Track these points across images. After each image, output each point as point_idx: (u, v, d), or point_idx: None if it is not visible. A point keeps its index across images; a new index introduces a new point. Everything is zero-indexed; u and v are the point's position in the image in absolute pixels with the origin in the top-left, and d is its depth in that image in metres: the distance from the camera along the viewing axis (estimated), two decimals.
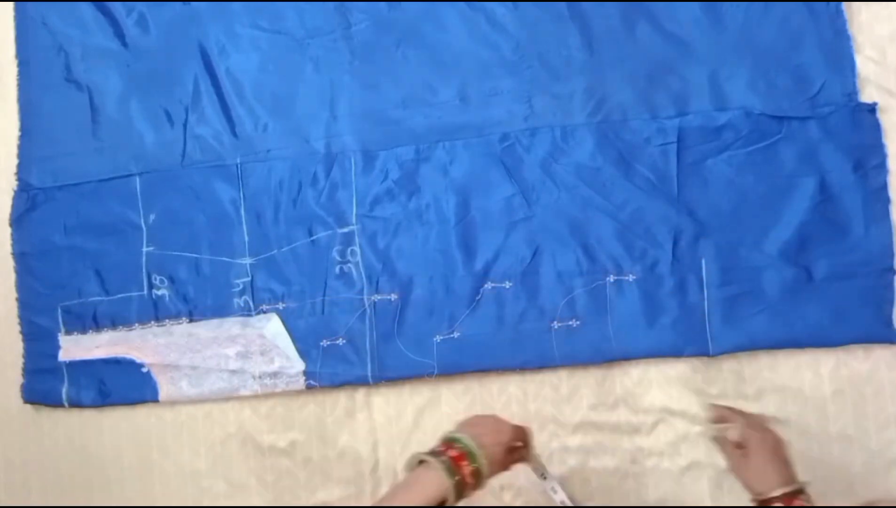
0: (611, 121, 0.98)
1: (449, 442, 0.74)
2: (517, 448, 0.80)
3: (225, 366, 1.03)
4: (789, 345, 0.93)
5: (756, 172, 0.95)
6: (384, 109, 1.04)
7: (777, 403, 0.93)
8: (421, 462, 0.72)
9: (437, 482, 0.69)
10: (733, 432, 0.77)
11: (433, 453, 0.73)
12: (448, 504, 0.70)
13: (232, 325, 1.03)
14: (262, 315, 1.03)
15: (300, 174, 1.04)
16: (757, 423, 0.79)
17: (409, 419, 1.00)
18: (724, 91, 0.97)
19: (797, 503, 0.73)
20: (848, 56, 0.95)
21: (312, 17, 1.06)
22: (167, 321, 1.05)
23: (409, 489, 0.70)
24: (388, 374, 1.00)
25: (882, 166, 0.93)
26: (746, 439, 0.77)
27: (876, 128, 0.93)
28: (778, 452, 0.77)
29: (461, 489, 0.70)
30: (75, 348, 1.07)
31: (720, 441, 0.80)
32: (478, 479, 0.72)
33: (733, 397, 0.93)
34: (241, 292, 1.04)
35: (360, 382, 1.00)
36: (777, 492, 0.74)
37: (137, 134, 1.08)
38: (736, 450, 0.78)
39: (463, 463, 0.71)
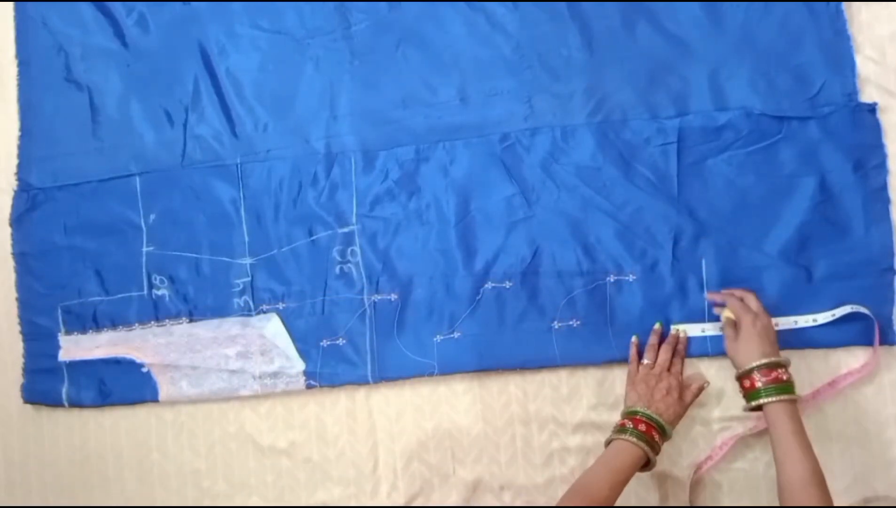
0: (611, 121, 0.98)
1: (628, 415, 0.88)
2: (686, 390, 0.91)
3: (225, 366, 1.03)
4: (789, 345, 0.93)
5: (756, 173, 0.95)
6: (384, 109, 1.04)
7: None
8: (610, 441, 0.86)
9: (632, 448, 0.84)
10: (728, 310, 0.89)
11: (621, 430, 0.86)
12: (652, 463, 0.85)
13: (232, 325, 1.04)
14: (262, 315, 1.03)
15: (300, 174, 1.04)
16: (752, 307, 0.87)
17: (409, 419, 1.00)
18: (724, 91, 0.97)
19: (774, 374, 0.82)
20: (848, 56, 0.95)
21: (312, 17, 1.06)
22: (167, 320, 1.05)
23: (609, 458, 0.84)
24: (389, 374, 1.00)
25: (882, 167, 0.93)
26: (739, 318, 0.87)
27: (876, 128, 0.93)
28: (767, 333, 0.86)
29: (654, 447, 0.85)
30: (75, 348, 1.07)
31: (727, 324, 0.90)
32: (662, 435, 0.86)
33: (733, 395, 0.93)
34: (241, 292, 1.04)
35: (360, 382, 1.00)
36: (755, 363, 0.84)
37: (137, 134, 1.09)
38: (732, 331, 0.88)
39: (644, 428, 0.85)
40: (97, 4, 1.11)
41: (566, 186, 0.98)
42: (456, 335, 0.99)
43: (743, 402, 0.86)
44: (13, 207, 1.10)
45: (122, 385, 1.06)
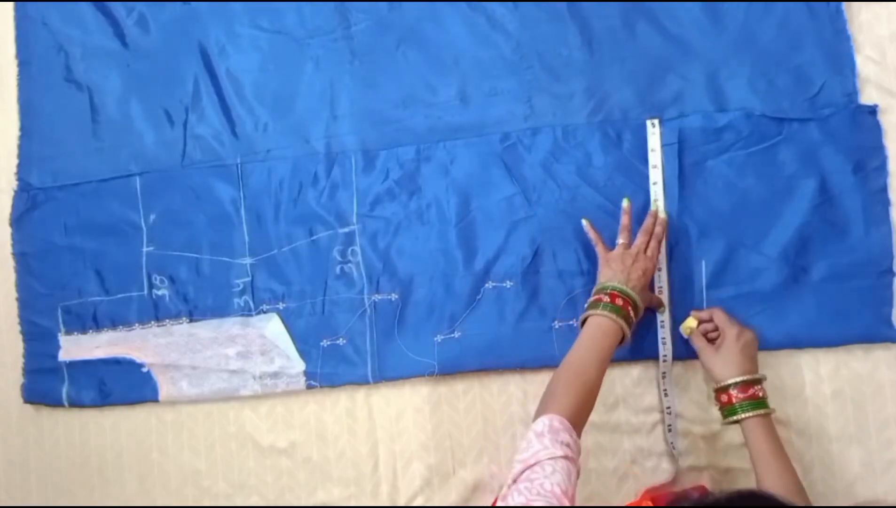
0: (611, 121, 0.99)
1: (602, 290, 0.88)
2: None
3: (225, 366, 1.03)
4: (789, 346, 0.93)
5: (756, 174, 0.95)
6: (384, 109, 1.04)
7: (777, 403, 0.93)
8: (586, 319, 0.87)
9: (612, 324, 0.84)
10: (692, 319, 0.90)
11: (595, 304, 0.86)
12: (627, 339, 0.86)
13: (232, 325, 1.03)
14: (262, 315, 1.03)
15: (300, 174, 1.04)
16: (736, 322, 0.88)
17: (409, 419, 1.00)
18: (724, 91, 0.97)
19: (751, 391, 0.84)
20: (848, 56, 0.95)
21: (312, 17, 1.06)
22: (167, 321, 1.05)
23: (593, 336, 0.84)
24: (389, 374, 1.00)
25: (882, 168, 0.93)
26: (723, 330, 0.88)
27: (876, 130, 0.93)
28: (746, 349, 0.86)
29: (629, 323, 0.86)
30: (75, 348, 1.07)
31: (695, 336, 0.91)
32: (636, 311, 0.87)
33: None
34: (242, 292, 1.04)
35: (361, 382, 1.00)
36: (735, 379, 0.84)
37: (137, 134, 1.08)
38: (709, 345, 0.89)
39: (621, 303, 0.86)
40: (97, 4, 1.11)
41: (567, 186, 0.98)
42: (456, 334, 0.99)
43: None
44: (13, 207, 1.10)
45: (122, 385, 1.05)
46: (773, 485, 0.79)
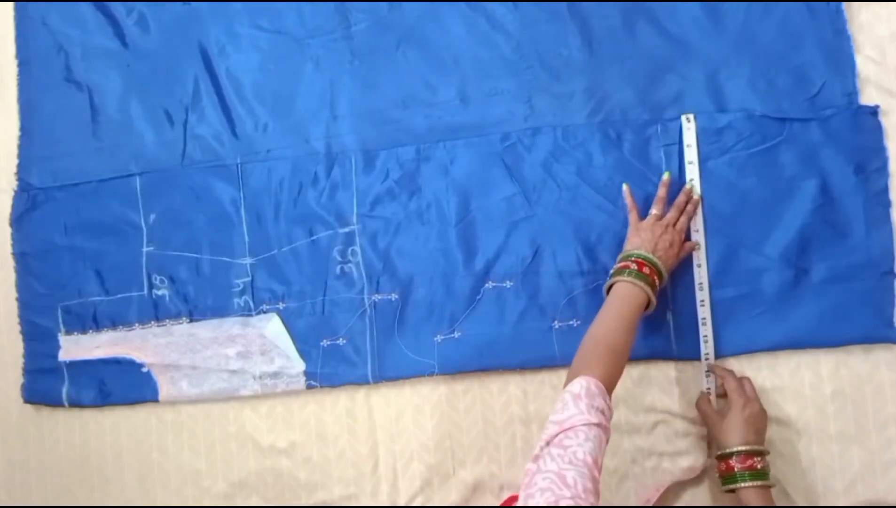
0: (612, 121, 0.99)
1: (628, 258, 0.88)
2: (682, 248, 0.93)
3: (225, 366, 1.03)
4: (789, 346, 0.93)
5: (757, 175, 0.95)
6: (384, 109, 1.04)
7: (777, 403, 0.93)
8: (611, 286, 0.88)
9: (639, 292, 0.85)
10: (727, 385, 0.89)
11: (621, 271, 0.87)
12: (652, 306, 0.87)
13: (232, 325, 1.03)
14: (262, 315, 1.03)
15: (300, 174, 1.04)
16: (745, 392, 0.88)
17: (409, 419, 1.00)
18: (724, 91, 0.97)
19: (750, 462, 0.84)
20: (848, 56, 0.95)
21: (312, 17, 1.06)
22: (167, 321, 1.05)
23: (621, 303, 0.84)
24: (389, 374, 1.00)
25: (883, 169, 0.93)
26: (731, 398, 0.87)
27: (877, 130, 0.93)
28: (753, 421, 0.86)
29: (654, 291, 0.86)
30: (75, 348, 1.07)
31: (702, 402, 0.91)
32: (661, 280, 0.88)
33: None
34: (242, 292, 1.04)
35: (361, 382, 1.00)
36: (735, 448, 0.84)
37: (137, 134, 1.08)
38: (715, 412, 0.89)
39: (648, 271, 0.86)
40: (97, 4, 1.11)
41: (567, 186, 0.98)
42: (456, 334, 0.99)
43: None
44: (13, 207, 1.10)
45: (122, 385, 1.05)
46: None
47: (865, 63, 0.95)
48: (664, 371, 0.96)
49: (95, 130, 1.10)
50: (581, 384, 0.73)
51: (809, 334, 0.92)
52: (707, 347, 0.93)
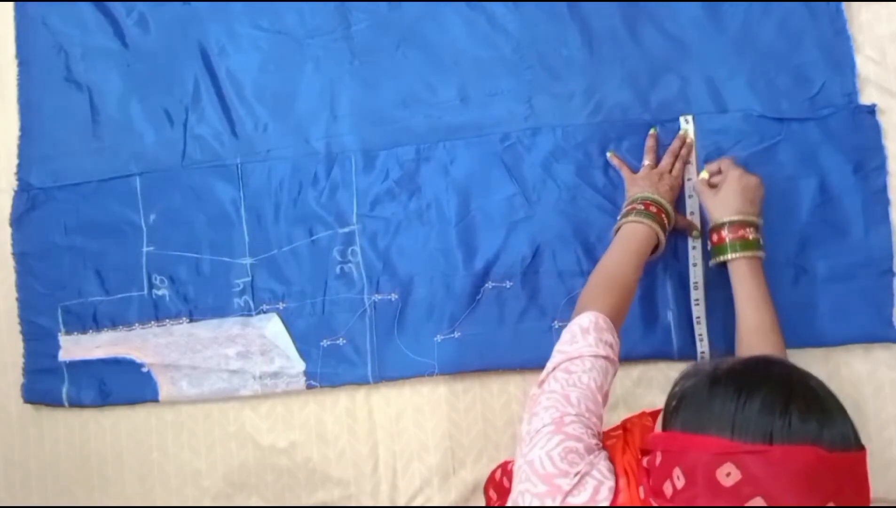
0: (611, 121, 0.99)
1: (634, 201, 0.88)
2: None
3: (225, 366, 1.03)
4: (789, 346, 0.93)
5: (757, 174, 0.95)
6: (384, 109, 1.04)
7: None
8: (619, 227, 0.87)
9: (648, 230, 0.84)
10: (706, 172, 0.89)
11: (628, 213, 0.86)
12: (661, 245, 0.86)
13: (232, 325, 1.03)
14: (262, 315, 1.03)
15: (300, 174, 1.04)
16: (742, 167, 0.87)
17: (409, 419, 1.00)
18: (724, 91, 0.97)
19: (741, 232, 0.83)
20: (848, 56, 0.95)
21: (312, 17, 1.06)
22: (167, 321, 1.05)
23: (629, 241, 0.84)
24: (389, 374, 1.00)
25: (882, 168, 0.93)
26: (726, 172, 0.86)
27: (876, 130, 0.93)
28: (747, 192, 0.85)
29: (664, 230, 0.86)
30: (75, 348, 1.07)
31: (700, 183, 0.90)
32: (669, 219, 0.87)
33: None
34: (242, 292, 1.04)
35: (361, 382, 1.00)
36: (727, 218, 0.83)
37: (137, 134, 1.08)
38: (711, 188, 0.89)
39: (655, 210, 0.86)
40: (97, 4, 1.11)
41: (567, 186, 0.98)
42: (456, 334, 0.99)
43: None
44: (13, 207, 1.10)
45: (122, 385, 1.05)
46: (751, 319, 0.80)
47: (865, 63, 0.95)
48: (664, 371, 0.96)
49: (95, 130, 1.10)
50: (589, 318, 0.73)
51: (809, 333, 0.92)
52: (702, 345, 0.93)
